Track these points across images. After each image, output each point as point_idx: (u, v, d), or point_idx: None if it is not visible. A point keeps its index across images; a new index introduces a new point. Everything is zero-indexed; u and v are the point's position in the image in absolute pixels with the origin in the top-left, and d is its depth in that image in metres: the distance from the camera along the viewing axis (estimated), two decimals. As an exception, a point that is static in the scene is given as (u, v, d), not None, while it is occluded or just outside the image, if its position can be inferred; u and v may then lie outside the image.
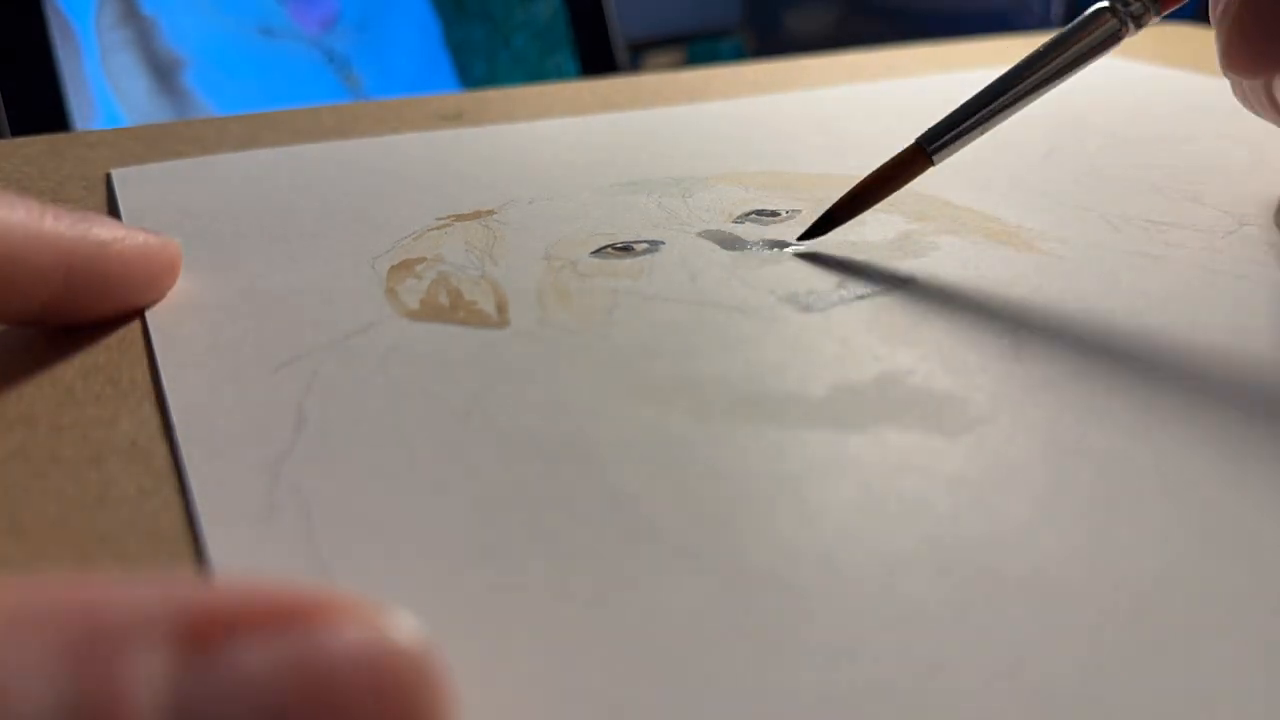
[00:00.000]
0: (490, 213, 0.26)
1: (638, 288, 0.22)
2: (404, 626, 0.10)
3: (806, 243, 0.24)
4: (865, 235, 0.25)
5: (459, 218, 0.26)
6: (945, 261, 0.23)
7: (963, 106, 0.23)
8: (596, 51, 0.62)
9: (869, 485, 0.16)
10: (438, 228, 0.25)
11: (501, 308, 0.21)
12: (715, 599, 0.14)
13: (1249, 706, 0.12)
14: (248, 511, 0.15)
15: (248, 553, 0.14)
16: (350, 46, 0.59)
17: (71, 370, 0.19)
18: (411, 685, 0.10)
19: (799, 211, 0.26)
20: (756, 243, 0.24)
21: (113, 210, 0.27)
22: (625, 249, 0.24)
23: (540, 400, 0.18)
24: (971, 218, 0.26)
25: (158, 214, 0.26)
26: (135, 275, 0.21)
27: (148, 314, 0.21)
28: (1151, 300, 0.22)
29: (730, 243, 0.24)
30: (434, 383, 0.19)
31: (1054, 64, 0.23)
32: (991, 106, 0.23)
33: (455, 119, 0.35)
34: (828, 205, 0.24)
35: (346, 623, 0.10)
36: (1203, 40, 0.49)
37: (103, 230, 0.20)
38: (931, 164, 0.23)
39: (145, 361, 0.19)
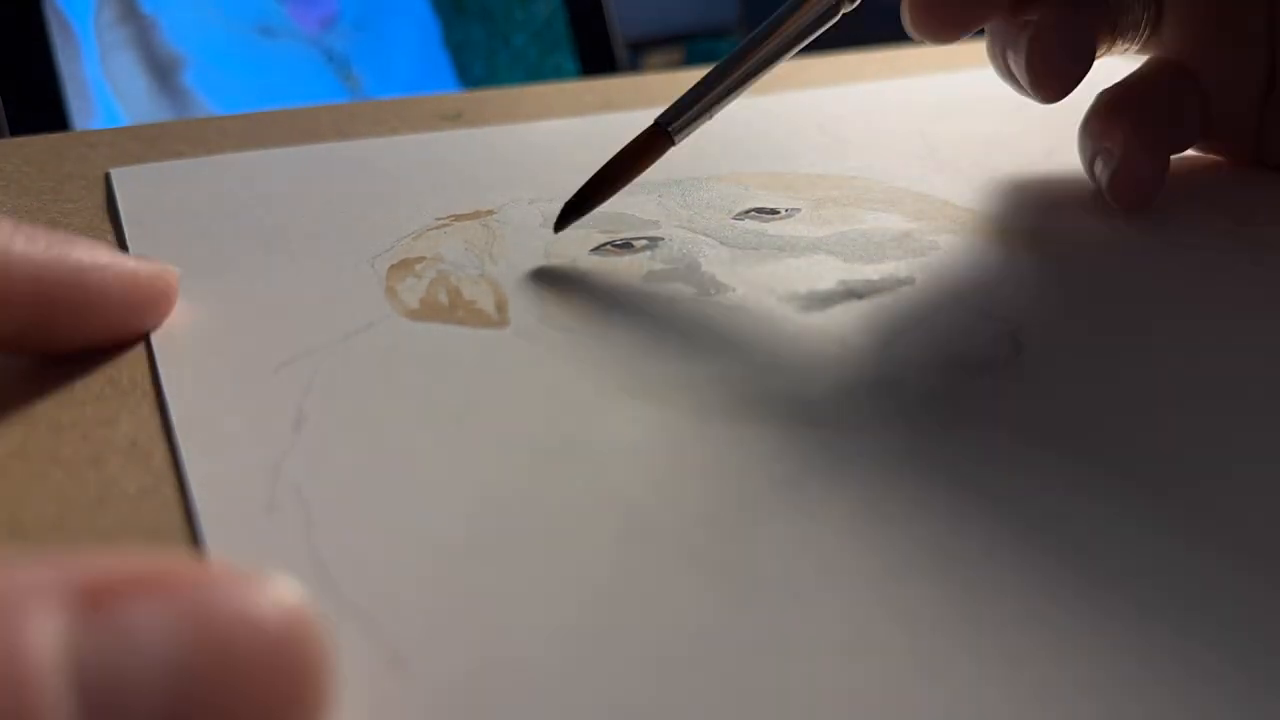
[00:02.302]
0: (490, 213, 0.26)
1: (637, 285, 0.22)
2: (285, 587, 0.11)
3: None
4: (865, 235, 0.25)
5: (459, 218, 0.26)
6: (945, 261, 0.23)
7: (698, 85, 0.23)
8: (596, 51, 0.62)
9: (868, 485, 0.16)
10: (437, 227, 0.25)
11: (501, 307, 0.21)
12: (715, 600, 0.14)
13: (1249, 707, 0.12)
14: (247, 511, 0.15)
15: (247, 552, 0.14)
16: (349, 46, 0.59)
17: (71, 370, 0.19)
18: (301, 639, 0.11)
19: (798, 210, 0.26)
20: (755, 236, 0.24)
21: (112, 210, 0.27)
22: (624, 246, 0.24)
23: (540, 400, 0.18)
24: (971, 218, 0.26)
25: (158, 214, 0.26)
26: (116, 302, 0.19)
27: (147, 314, 0.21)
28: (1152, 300, 0.22)
29: (730, 240, 0.24)
30: (434, 382, 0.19)
31: (778, 41, 0.23)
32: (726, 83, 0.23)
33: (455, 119, 0.35)
34: (827, 205, 0.24)
35: (233, 584, 0.11)
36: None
37: (83, 254, 0.18)
38: (673, 143, 0.23)
39: (145, 361, 0.19)
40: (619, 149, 0.24)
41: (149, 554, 0.11)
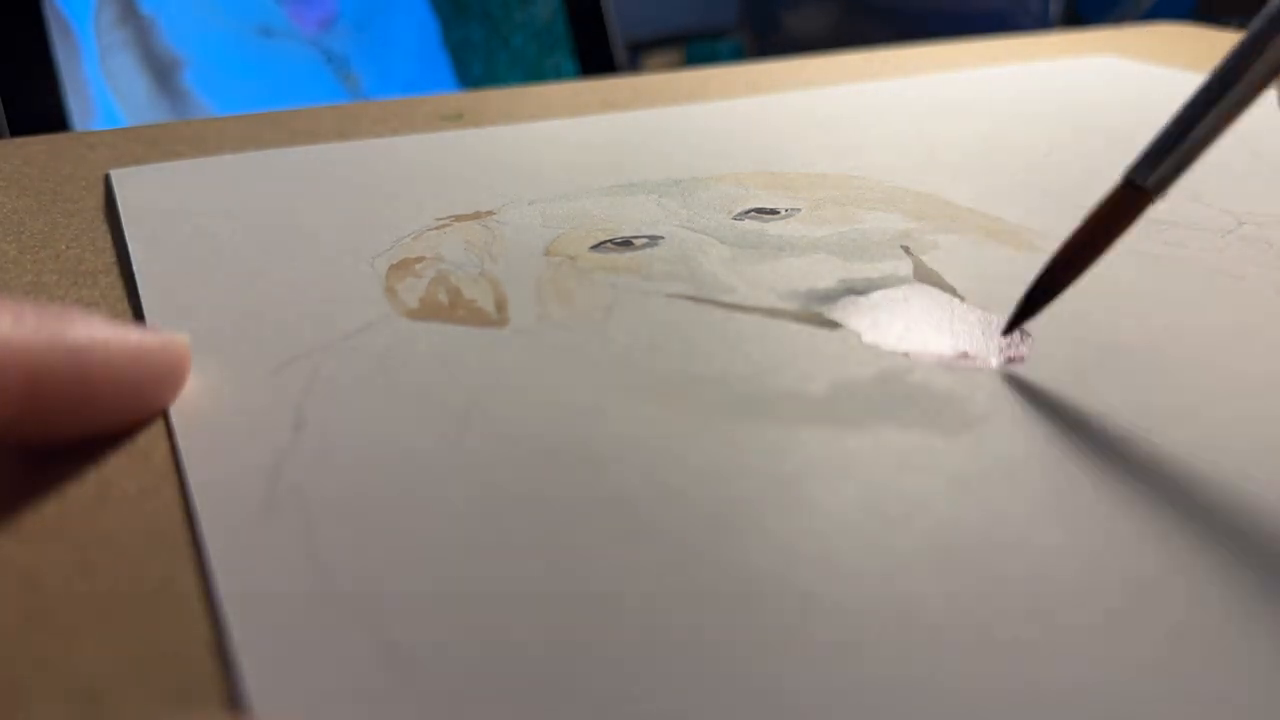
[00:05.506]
0: (490, 214, 0.26)
1: (637, 283, 0.22)
2: None
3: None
4: (865, 234, 0.25)
5: (459, 218, 0.26)
6: (945, 261, 0.23)
7: (1169, 130, 0.19)
8: (595, 51, 0.62)
9: (869, 484, 0.16)
10: (437, 228, 0.25)
11: (501, 306, 0.21)
12: (715, 599, 0.14)
13: (1248, 706, 0.12)
14: (247, 511, 0.15)
15: (247, 552, 0.14)
16: (349, 46, 0.59)
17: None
18: None
19: (798, 210, 0.26)
20: (755, 235, 0.24)
21: (112, 211, 0.27)
22: (625, 244, 0.24)
23: (539, 399, 0.18)
24: (971, 217, 0.26)
25: (157, 215, 0.26)
26: (122, 384, 0.17)
27: (147, 314, 0.21)
28: (1151, 300, 0.22)
29: (730, 239, 0.24)
30: (433, 382, 0.19)
31: (1261, 67, 0.18)
32: (1210, 117, 0.19)
33: (456, 119, 0.35)
34: (827, 205, 0.24)
35: None
36: (1203, 40, 0.49)
37: (82, 332, 0.16)
38: (1152, 201, 0.19)
39: (145, 361, 0.19)
40: (1085, 219, 0.19)
41: None
